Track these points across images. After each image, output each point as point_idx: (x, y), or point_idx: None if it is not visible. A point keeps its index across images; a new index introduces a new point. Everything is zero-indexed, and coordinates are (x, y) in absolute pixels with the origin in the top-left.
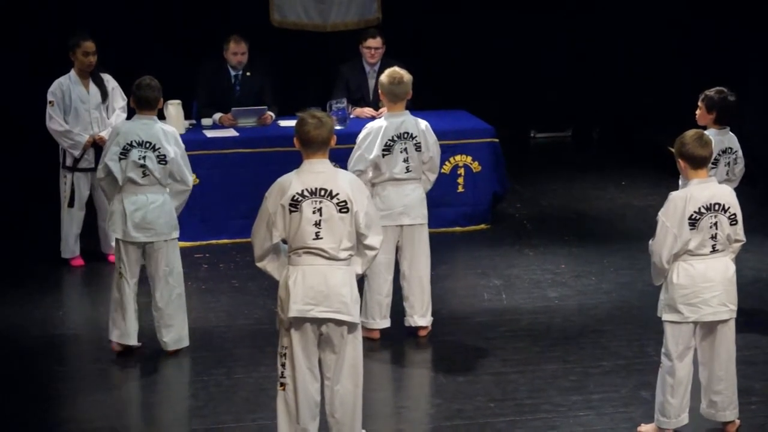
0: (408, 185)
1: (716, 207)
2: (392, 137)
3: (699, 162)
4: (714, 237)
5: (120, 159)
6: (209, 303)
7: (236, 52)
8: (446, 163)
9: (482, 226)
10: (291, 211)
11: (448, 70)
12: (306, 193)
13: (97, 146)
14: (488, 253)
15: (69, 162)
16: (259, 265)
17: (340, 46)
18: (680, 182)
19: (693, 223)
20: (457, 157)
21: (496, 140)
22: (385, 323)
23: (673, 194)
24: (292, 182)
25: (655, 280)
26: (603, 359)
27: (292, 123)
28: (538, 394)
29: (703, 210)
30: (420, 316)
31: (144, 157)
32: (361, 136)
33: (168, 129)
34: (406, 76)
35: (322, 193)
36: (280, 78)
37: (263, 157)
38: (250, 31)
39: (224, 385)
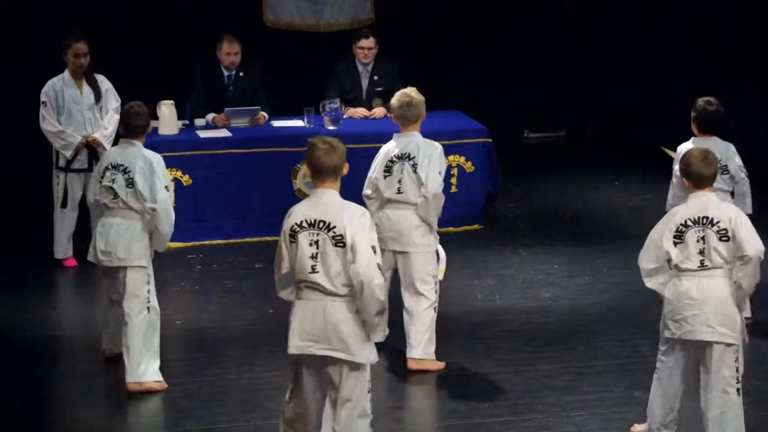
0: (399, 209)
1: (704, 220)
2: (393, 158)
3: (703, 181)
4: (702, 252)
5: (99, 182)
6: (202, 304)
7: (229, 53)
8: None
9: (475, 226)
10: (291, 242)
11: (441, 70)
12: (305, 224)
13: (90, 147)
14: (481, 254)
15: (62, 163)
16: (279, 295)
17: (333, 47)
18: (669, 193)
19: (679, 235)
20: (451, 158)
21: (490, 140)
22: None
23: (673, 209)
24: (296, 211)
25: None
26: (596, 359)
27: (285, 123)
28: (531, 395)
29: (689, 222)
30: (412, 347)
31: (113, 180)
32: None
33: (148, 154)
34: (417, 97)
35: (321, 225)
36: (274, 78)
37: (256, 158)
38: (243, 31)
39: (218, 386)
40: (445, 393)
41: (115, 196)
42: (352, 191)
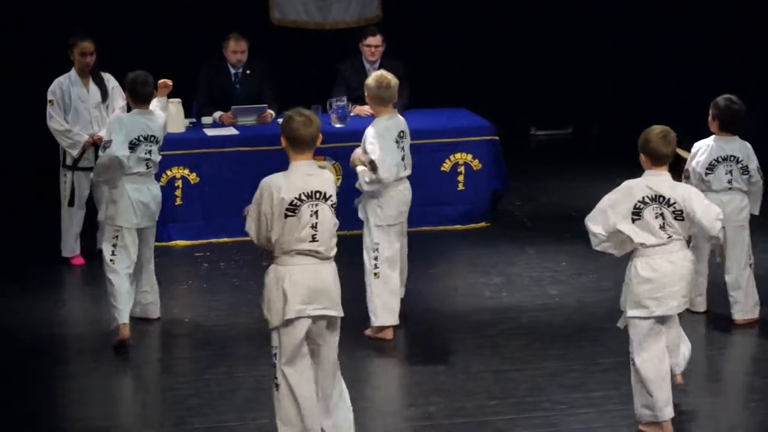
0: (405, 183)
1: (660, 199)
2: (396, 137)
3: (659, 159)
4: (662, 227)
5: (129, 154)
6: (210, 302)
7: (236, 51)
8: (446, 161)
9: (482, 224)
10: (287, 216)
11: (448, 68)
12: (303, 197)
13: (97, 146)
14: (488, 251)
15: (69, 161)
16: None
17: (340, 44)
18: None
19: (637, 212)
20: (457, 155)
21: (496, 138)
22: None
23: (627, 181)
24: (283, 186)
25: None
26: (603, 357)
27: None
28: (538, 392)
29: (647, 200)
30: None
31: (150, 151)
32: (371, 142)
33: (161, 115)
34: (393, 80)
35: (317, 195)
36: (280, 76)
37: (263, 156)
38: (250, 29)
39: (225, 384)
40: (451, 390)
41: (148, 165)
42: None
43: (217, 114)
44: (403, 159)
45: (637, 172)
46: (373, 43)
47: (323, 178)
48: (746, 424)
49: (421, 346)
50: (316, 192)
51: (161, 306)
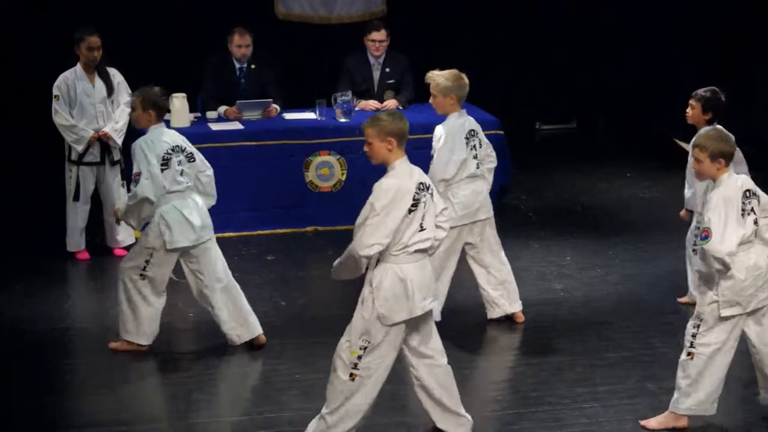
0: (478, 181)
1: (748, 193)
2: (467, 135)
3: (731, 157)
4: (755, 222)
5: (162, 170)
6: None
7: (240, 45)
8: None
9: None
10: (411, 210)
11: (453, 63)
12: (418, 190)
13: (102, 141)
14: None
15: (74, 156)
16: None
17: (344, 39)
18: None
19: (743, 207)
20: None
21: (501, 132)
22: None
23: (726, 186)
24: (406, 184)
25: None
26: (608, 351)
27: (296, 116)
28: (543, 386)
29: (748, 194)
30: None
31: (180, 162)
32: (440, 140)
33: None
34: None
35: (425, 187)
36: (285, 71)
37: (268, 150)
38: (254, 23)
39: (231, 378)
40: (457, 385)
41: (182, 176)
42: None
43: (222, 108)
44: (475, 157)
45: (639, 166)
46: (378, 37)
47: (420, 170)
48: (752, 419)
49: None
50: (421, 183)
51: (169, 301)
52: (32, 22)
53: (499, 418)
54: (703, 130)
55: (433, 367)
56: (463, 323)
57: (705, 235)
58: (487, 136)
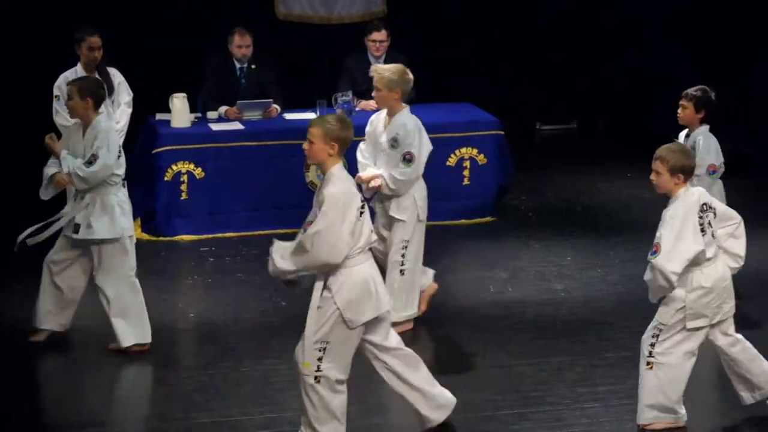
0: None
1: (705, 207)
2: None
3: (691, 172)
4: (712, 235)
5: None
6: (215, 296)
7: (241, 45)
8: (452, 155)
9: (487, 218)
10: (361, 213)
11: (453, 63)
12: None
13: None
14: (494, 246)
15: None
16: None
17: (345, 39)
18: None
19: (701, 224)
20: (463, 150)
21: (502, 132)
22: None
23: (682, 204)
24: (352, 188)
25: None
26: (609, 351)
27: (297, 116)
28: (544, 387)
29: (705, 208)
30: None
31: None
32: (411, 135)
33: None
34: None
35: (359, 189)
36: (286, 71)
37: (268, 150)
38: (255, 23)
39: (230, 378)
40: (457, 385)
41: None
42: None
43: (223, 109)
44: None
45: (639, 166)
46: (378, 38)
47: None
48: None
49: (427, 341)
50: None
51: (170, 301)
52: (32, 22)
53: (499, 418)
54: (665, 145)
55: (400, 356)
56: (462, 323)
57: (654, 250)
58: (487, 137)
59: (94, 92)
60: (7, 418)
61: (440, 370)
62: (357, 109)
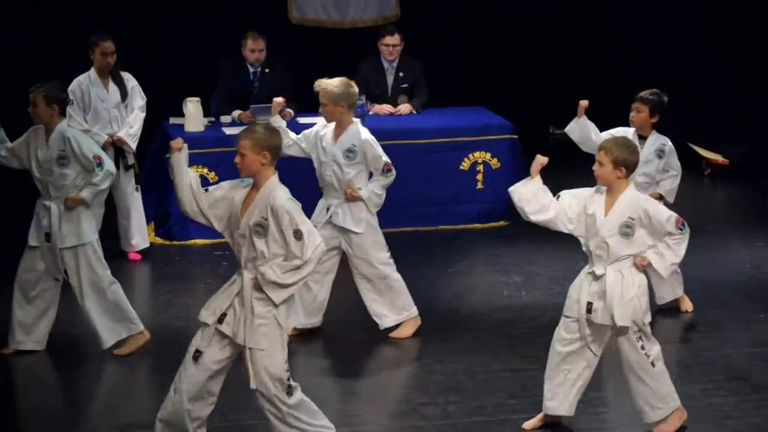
0: None
1: None
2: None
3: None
4: None
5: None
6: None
7: (254, 49)
8: (465, 159)
9: (501, 222)
10: None
11: (467, 67)
12: None
13: (116, 146)
14: (507, 250)
15: None
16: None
17: (358, 43)
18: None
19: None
20: (476, 154)
21: (515, 137)
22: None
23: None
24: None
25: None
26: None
27: (310, 120)
28: None
29: None
30: None
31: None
32: (373, 145)
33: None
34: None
35: None
36: (299, 75)
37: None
38: (268, 27)
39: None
40: (471, 389)
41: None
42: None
43: (236, 113)
44: None
45: None
46: (392, 42)
47: None
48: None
49: (440, 345)
50: None
51: (183, 305)
52: (47, 25)
53: (513, 423)
54: (612, 137)
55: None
56: (477, 328)
57: (682, 223)
58: (501, 141)
59: (60, 98)
60: (17, 422)
61: (453, 374)
62: (370, 113)
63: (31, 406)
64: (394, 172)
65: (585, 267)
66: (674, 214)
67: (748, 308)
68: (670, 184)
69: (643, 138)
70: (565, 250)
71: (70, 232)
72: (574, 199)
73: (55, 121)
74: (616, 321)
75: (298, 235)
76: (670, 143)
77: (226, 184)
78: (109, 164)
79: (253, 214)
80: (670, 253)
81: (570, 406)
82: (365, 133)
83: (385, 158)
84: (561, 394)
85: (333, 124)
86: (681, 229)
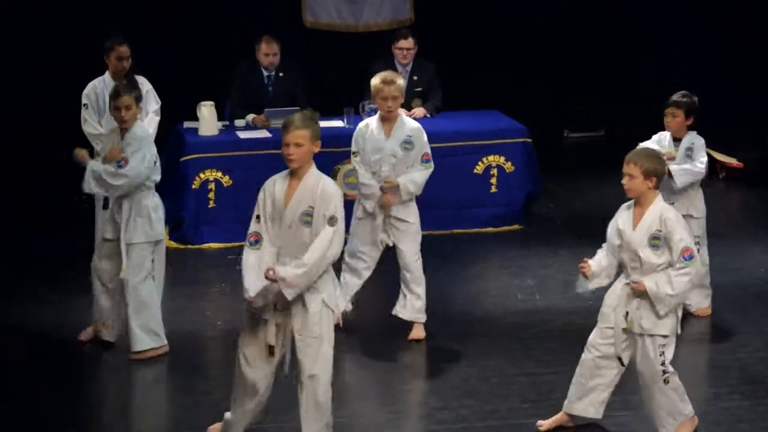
0: None
1: None
2: None
3: None
4: None
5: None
6: (243, 304)
7: (268, 53)
8: (479, 163)
9: (515, 226)
10: None
11: (480, 70)
12: None
13: None
14: (521, 254)
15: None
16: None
17: (372, 47)
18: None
19: None
20: (490, 158)
21: (529, 140)
22: None
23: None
24: None
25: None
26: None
27: (324, 123)
28: None
29: None
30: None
31: None
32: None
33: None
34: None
35: None
36: (313, 78)
37: None
38: (282, 31)
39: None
40: (485, 393)
41: None
42: None
43: (250, 117)
44: None
45: None
46: (405, 45)
47: None
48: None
49: (454, 349)
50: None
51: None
52: (63, 30)
53: (527, 427)
54: (637, 150)
55: None
56: (491, 332)
57: (689, 254)
58: (515, 144)
59: (141, 99)
60: (32, 429)
61: (467, 378)
62: None
63: (32, 407)
64: (431, 164)
65: (620, 277)
66: (686, 240)
67: (762, 312)
68: (686, 170)
69: (677, 140)
70: (579, 254)
71: (139, 227)
72: (609, 229)
73: (134, 121)
74: (648, 331)
75: (332, 221)
76: (701, 140)
77: (263, 215)
78: (134, 172)
79: (300, 204)
80: (667, 285)
81: (597, 409)
82: (416, 123)
83: (428, 148)
84: (591, 397)
85: (375, 120)
86: (685, 260)
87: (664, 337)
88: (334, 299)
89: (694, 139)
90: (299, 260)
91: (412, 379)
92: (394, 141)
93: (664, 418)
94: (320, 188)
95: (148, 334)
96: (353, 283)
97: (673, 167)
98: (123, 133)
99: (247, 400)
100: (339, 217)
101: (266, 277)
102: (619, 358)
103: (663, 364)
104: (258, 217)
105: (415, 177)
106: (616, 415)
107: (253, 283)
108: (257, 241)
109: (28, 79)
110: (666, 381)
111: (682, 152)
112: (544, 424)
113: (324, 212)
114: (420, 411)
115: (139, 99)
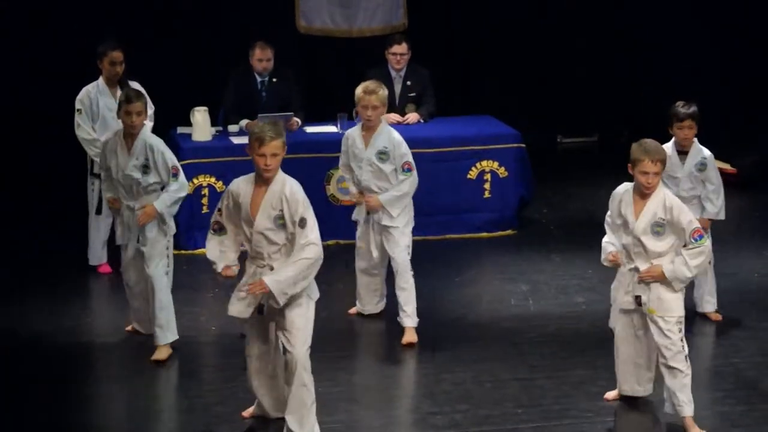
0: None
1: None
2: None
3: None
4: None
5: None
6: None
7: (261, 59)
8: (472, 168)
9: (509, 231)
10: None
11: (474, 76)
12: None
13: None
14: (515, 259)
15: (96, 169)
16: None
17: (366, 52)
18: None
19: None
20: (484, 163)
21: (523, 145)
22: None
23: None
24: None
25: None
26: None
27: (318, 129)
28: (565, 400)
29: None
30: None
31: None
32: (402, 145)
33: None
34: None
35: None
36: (306, 84)
37: (289, 164)
38: (276, 37)
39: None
40: (479, 398)
41: None
42: None
43: (244, 122)
44: None
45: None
46: (399, 51)
47: None
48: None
49: (448, 354)
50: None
51: (192, 314)
52: (58, 35)
53: None
54: (640, 143)
55: None
56: (484, 337)
57: (700, 234)
58: (509, 150)
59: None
60: (33, 426)
61: (460, 383)
62: None
63: (32, 407)
64: (414, 173)
65: (621, 268)
66: (694, 222)
67: (757, 317)
68: (716, 200)
69: (683, 153)
70: (573, 259)
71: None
72: (611, 204)
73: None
74: (661, 312)
75: (302, 223)
76: (710, 155)
77: (224, 210)
78: (183, 178)
79: (270, 210)
80: (683, 267)
81: (645, 388)
82: (395, 134)
83: (409, 158)
84: (636, 377)
85: (359, 128)
86: (696, 240)
87: (680, 316)
88: (310, 288)
89: (705, 156)
90: (285, 266)
91: (406, 385)
92: (371, 150)
93: (686, 397)
94: (287, 192)
95: (170, 330)
96: (372, 282)
97: (711, 211)
98: (129, 139)
99: (267, 392)
100: (308, 215)
101: (253, 293)
102: (636, 298)
103: (682, 340)
104: (220, 210)
105: (395, 191)
106: (606, 420)
107: (218, 258)
108: (221, 229)
109: (28, 79)
110: (687, 359)
111: (690, 167)
112: (609, 395)
113: (294, 217)
114: (414, 416)
115: (145, 105)
